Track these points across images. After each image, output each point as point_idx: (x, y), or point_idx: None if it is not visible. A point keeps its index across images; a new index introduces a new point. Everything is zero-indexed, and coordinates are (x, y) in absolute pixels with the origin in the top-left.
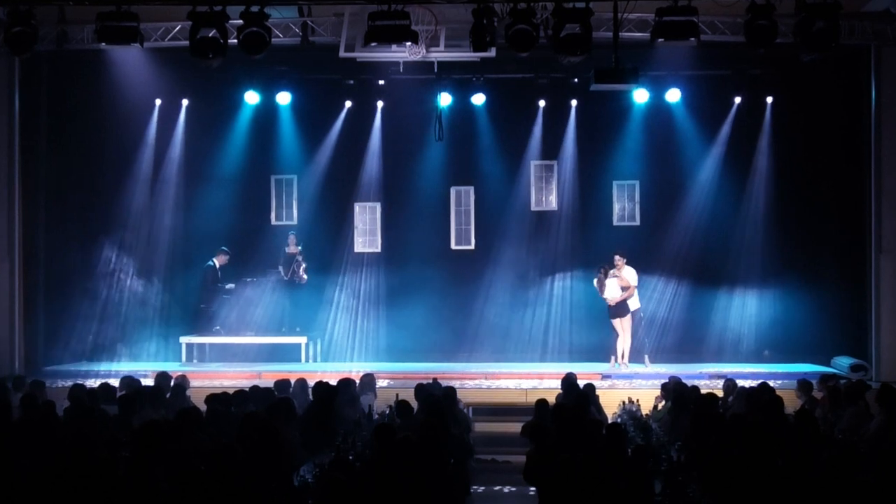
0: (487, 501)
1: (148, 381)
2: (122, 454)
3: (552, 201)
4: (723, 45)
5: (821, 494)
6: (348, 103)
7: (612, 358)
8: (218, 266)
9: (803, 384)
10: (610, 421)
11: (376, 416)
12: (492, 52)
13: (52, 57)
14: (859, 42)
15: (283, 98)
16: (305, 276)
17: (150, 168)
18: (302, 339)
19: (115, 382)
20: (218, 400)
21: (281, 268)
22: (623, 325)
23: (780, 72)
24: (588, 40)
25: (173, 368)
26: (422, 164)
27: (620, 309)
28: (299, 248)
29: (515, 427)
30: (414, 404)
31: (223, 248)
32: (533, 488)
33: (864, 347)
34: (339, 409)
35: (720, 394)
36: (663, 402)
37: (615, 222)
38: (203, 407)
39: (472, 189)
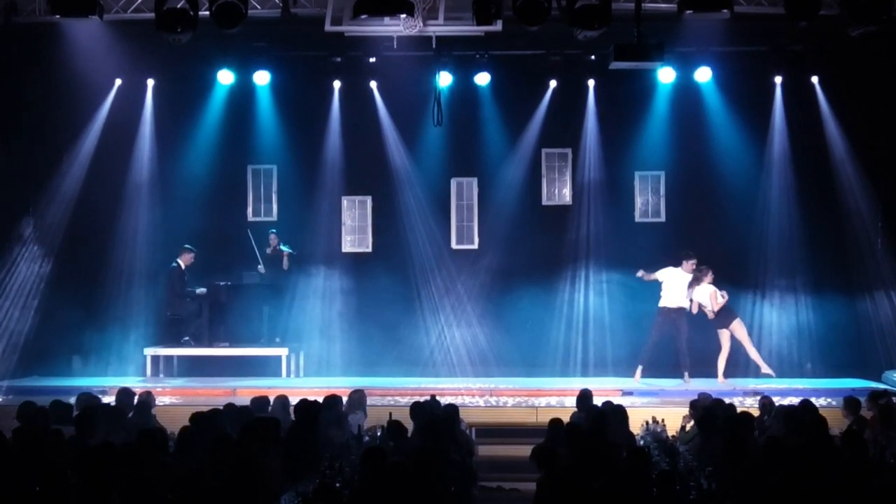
0: None
1: (108, 399)
2: (76, 481)
3: (566, 195)
4: (759, 17)
5: None
6: (336, 84)
7: (638, 372)
8: (184, 267)
9: (850, 402)
10: None
11: (366, 439)
12: (497, 26)
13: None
14: None
15: (262, 78)
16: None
17: (111, 159)
18: (283, 351)
19: (70, 400)
20: (189, 420)
21: (261, 268)
22: (723, 338)
23: (825, 48)
24: (607, 12)
25: (136, 384)
26: (418, 152)
27: (723, 318)
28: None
29: (524, 450)
30: (409, 425)
31: (186, 245)
32: None
33: None
34: (324, 431)
35: (756, 413)
36: (692, 423)
37: (637, 218)
38: (170, 428)
39: (475, 181)
